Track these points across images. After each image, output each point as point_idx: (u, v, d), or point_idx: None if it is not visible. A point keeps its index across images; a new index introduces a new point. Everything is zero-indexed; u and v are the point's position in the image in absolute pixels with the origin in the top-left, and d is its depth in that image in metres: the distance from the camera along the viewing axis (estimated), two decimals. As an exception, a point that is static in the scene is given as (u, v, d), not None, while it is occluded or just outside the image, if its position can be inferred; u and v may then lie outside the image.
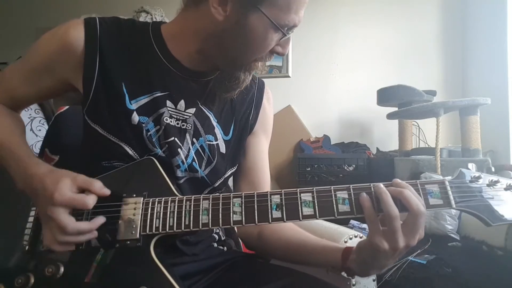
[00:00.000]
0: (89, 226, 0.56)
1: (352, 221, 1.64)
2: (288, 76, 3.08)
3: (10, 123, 0.71)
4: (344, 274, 0.66)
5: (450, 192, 0.54)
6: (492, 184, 0.54)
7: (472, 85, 2.78)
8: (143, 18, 2.87)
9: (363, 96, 2.90)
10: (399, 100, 2.40)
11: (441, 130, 1.95)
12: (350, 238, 1.14)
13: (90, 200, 0.56)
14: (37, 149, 1.53)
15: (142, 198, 0.61)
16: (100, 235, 0.58)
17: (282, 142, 2.98)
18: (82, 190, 0.58)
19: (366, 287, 0.92)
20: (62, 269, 0.57)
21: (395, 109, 2.44)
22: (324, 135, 2.90)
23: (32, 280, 0.57)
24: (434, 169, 1.87)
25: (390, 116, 2.39)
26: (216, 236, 0.81)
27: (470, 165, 0.57)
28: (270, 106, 0.85)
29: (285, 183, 2.85)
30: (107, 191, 0.59)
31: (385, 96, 2.47)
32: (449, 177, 0.57)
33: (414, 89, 2.35)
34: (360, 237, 1.16)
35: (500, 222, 0.52)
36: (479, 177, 0.55)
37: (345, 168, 2.58)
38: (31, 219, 0.63)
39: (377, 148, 2.81)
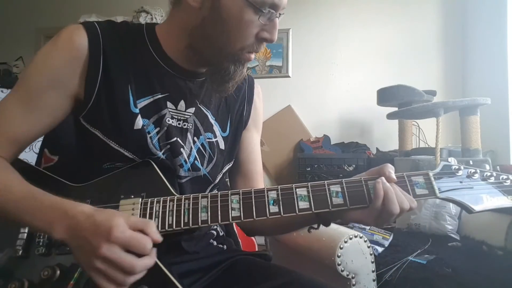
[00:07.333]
0: (153, 260, 0.51)
1: (352, 221, 1.63)
2: (288, 76, 3.08)
3: (18, 175, 0.61)
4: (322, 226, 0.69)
5: (434, 183, 0.60)
6: (470, 175, 0.60)
7: (472, 85, 2.78)
8: (143, 18, 2.87)
9: (363, 96, 2.90)
10: (399, 100, 2.40)
11: (441, 130, 1.94)
12: (350, 238, 1.14)
13: (149, 243, 0.50)
14: (36, 149, 1.52)
15: (140, 199, 0.61)
16: None
17: (282, 142, 2.98)
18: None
19: (366, 287, 0.92)
20: (58, 272, 0.56)
21: (395, 109, 2.43)
22: (324, 135, 2.90)
23: (26, 284, 0.56)
24: (434, 169, 1.87)
25: (390, 116, 2.39)
26: (214, 233, 0.81)
27: (450, 159, 0.63)
28: (260, 101, 0.87)
29: (285, 183, 2.83)
30: (160, 237, 0.52)
31: (385, 96, 2.47)
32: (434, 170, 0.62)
33: (414, 89, 2.35)
34: (360, 237, 1.16)
35: (482, 209, 0.57)
36: (459, 169, 0.61)
37: (345, 168, 2.58)
38: None
39: (377, 148, 2.81)
